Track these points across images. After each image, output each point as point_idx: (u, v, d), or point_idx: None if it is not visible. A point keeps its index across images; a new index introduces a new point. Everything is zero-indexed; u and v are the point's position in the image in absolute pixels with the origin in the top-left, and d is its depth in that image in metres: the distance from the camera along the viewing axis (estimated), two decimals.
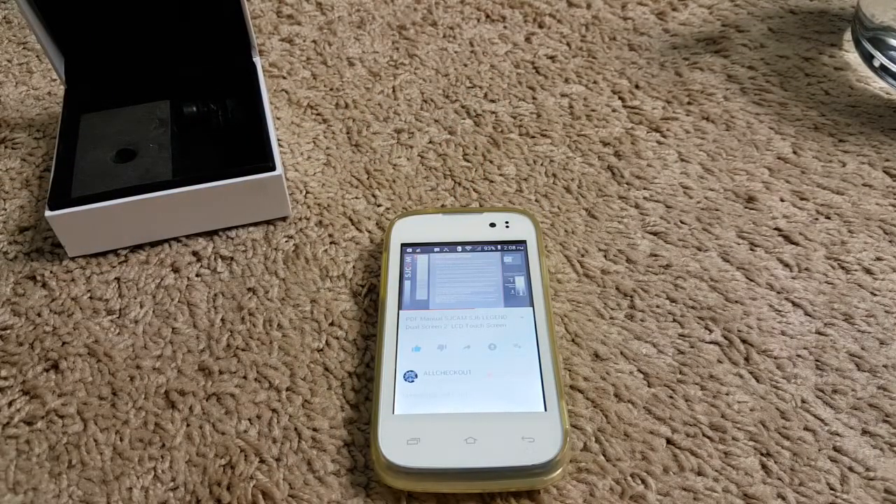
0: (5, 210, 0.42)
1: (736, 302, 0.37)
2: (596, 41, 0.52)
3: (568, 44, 0.51)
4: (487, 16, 0.54)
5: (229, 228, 0.41)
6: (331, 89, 0.49)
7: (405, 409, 0.31)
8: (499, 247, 0.37)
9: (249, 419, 0.33)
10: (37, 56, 0.52)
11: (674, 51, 0.51)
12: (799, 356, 0.35)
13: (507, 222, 0.38)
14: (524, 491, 0.31)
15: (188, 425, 0.33)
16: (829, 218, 0.40)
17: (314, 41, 0.52)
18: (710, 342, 0.35)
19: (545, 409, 0.31)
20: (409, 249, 0.37)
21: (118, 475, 0.32)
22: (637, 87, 0.48)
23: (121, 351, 0.36)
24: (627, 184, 0.42)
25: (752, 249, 0.39)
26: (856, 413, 0.33)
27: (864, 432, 0.32)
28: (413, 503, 0.31)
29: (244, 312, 0.37)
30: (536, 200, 0.42)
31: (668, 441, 0.32)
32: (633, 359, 0.35)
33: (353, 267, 0.39)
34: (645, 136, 0.45)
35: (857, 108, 0.46)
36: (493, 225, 0.38)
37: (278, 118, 0.47)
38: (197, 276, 0.39)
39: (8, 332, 0.37)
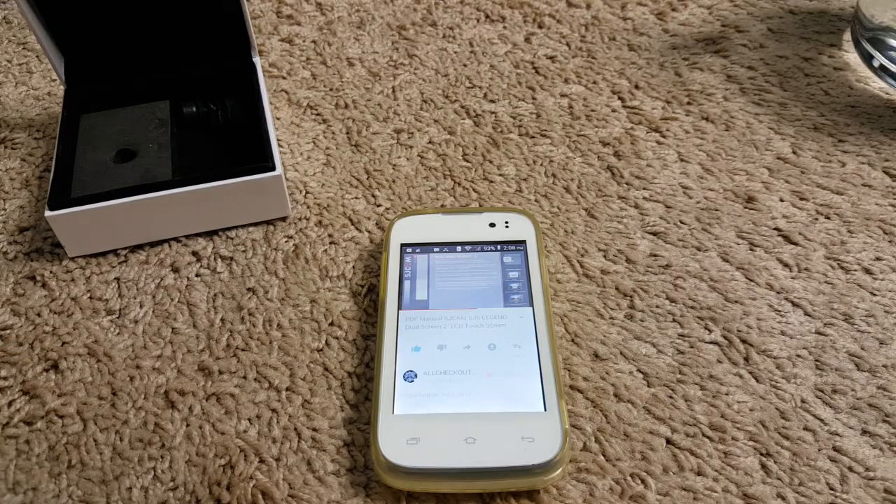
0: (5, 210, 0.42)
1: (735, 302, 0.37)
2: (595, 41, 0.52)
3: (567, 44, 0.51)
4: (487, 16, 0.54)
5: (229, 228, 0.41)
6: (330, 89, 0.49)
7: (405, 409, 0.31)
8: (498, 247, 0.37)
9: (249, 419, 0.33)
10: (37, 56, 0.52)
11: (673, 51, 0.51)
12: (798, 356, 0.35)
13: (506, 222, 0.38)
14: (524, 491, 0.31)
15: (188, 425, 0.33)
16: (828, 218, 0.40)
17: (314, 41, 0.52)
18: (710, 342, 0.35)
19: (545, 409, 0.31)
20: (409, 249, 0.37)
21: (118, 475, 0.32)
22: (637, 87, 0.48)
23: (120, 351, 0.36)
24: (627, 184, 0.43)
25: (751, 249, 0.39)
26: (855, 413, 0.33)
27: (864, 432, 0.32)
28: (413, 503, 0.31)
29: (244, 312, 0.37)
30: (536, 200, 0.42)
31: (668, 441, 0.32)
32: (633, 359, 0.35)
33: (353, 267, 0.39)
34: (644, 136, 0.45)
35: (857, 108, 0.46)
36: (492, 225, 0.38)
37: (278, 118, 0.47)
38: (197, 276, 0.39)
39: (8, 332, 0.37)
